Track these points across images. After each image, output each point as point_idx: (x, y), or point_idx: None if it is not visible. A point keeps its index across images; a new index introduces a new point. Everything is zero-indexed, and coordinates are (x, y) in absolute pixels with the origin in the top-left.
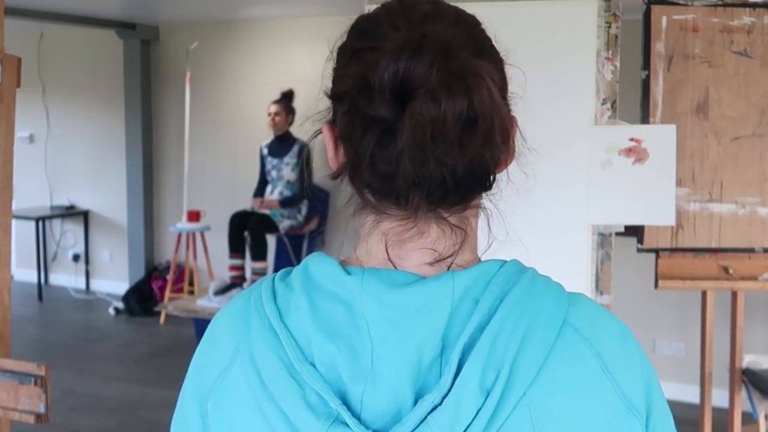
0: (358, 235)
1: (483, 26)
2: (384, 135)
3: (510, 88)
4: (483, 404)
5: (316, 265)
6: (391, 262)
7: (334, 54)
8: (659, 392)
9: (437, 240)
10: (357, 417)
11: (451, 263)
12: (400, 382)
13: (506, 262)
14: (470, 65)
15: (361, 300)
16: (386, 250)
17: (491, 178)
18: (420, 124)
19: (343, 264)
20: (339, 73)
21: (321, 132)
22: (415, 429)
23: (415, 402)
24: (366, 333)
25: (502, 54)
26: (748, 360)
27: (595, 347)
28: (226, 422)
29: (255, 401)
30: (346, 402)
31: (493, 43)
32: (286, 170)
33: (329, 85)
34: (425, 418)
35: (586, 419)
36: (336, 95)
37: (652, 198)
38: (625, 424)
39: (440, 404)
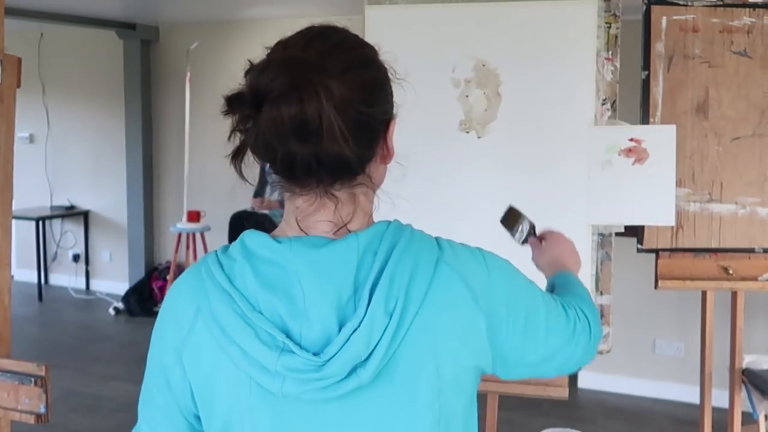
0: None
1: (369, 50)
2: (250, 127)
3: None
4: (388, 323)
5: (252, 239)
6: (302, 231)
7: None
8: (508, 292)
9: (333, 212)
10: (298, 345)
11: (347, 229)
12: (328, 317)
13: (391, 222)
14: (306, 79)
15: (292, 260)
16: (297, 222)
17: (354, 168)
18: (267, 120)
19: (273, 236)
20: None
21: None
22: (342, 347)
23: (340, 329)
24: (298, 284)
25: (394, 74)
26: (748, 360)
27: (460, 273)
28: (200, 365)
29: (219, 346)
30: (289, 336)
31: (373, 62)
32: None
33: None
34: (348, 338)
35: (458, 324)
36: (224, 97)
37: (652, 198)
38: (477, 320)
39: (358, 327)
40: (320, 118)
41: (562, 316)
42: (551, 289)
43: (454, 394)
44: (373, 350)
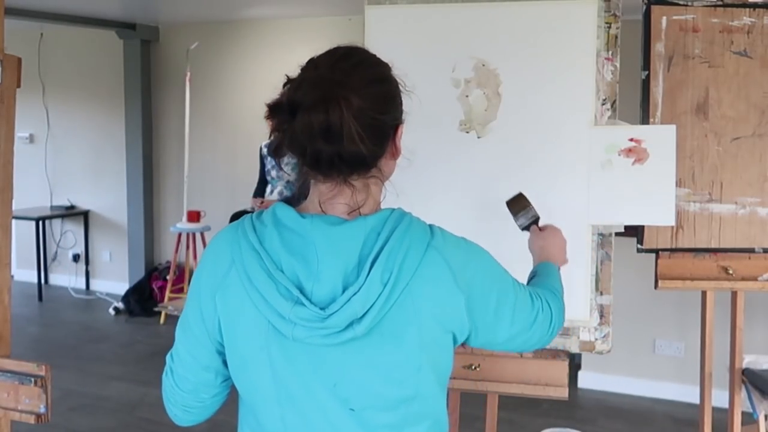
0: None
1: (384, 68)
2: (286, 130)
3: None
4: (382, 290)
5: (282, 211)
6: (323, 211)
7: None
8: (483, 278)
9: (350, 197)
10: (309, 300)
11: (359, 212)
12: (335, 280)
13: (394, 209)
14: (332, 94)
15: (312, 233)
16: (319, 204)
17: (369, 163)
18: (300, 125)
19: (298, 211)
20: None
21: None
22: (343, 305)
23: (343, 291)
24: (314, 252)
25: (404, 86)
26: (748, 360)
27: (444, 257)
28: (229, 305)
29: (246, 293)
30: (302, 292)
31: (386, 78)
32: (286, 170)
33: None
34: (349, 299)
35: (439, 297)
36: (268, 104)
37: (652, 198)
38: (456, 296)
39: (358, 291)
40: (341, 124)
41: (528, 305)
42: (533, 275)
43: (431, 351)
44: (367, 310)
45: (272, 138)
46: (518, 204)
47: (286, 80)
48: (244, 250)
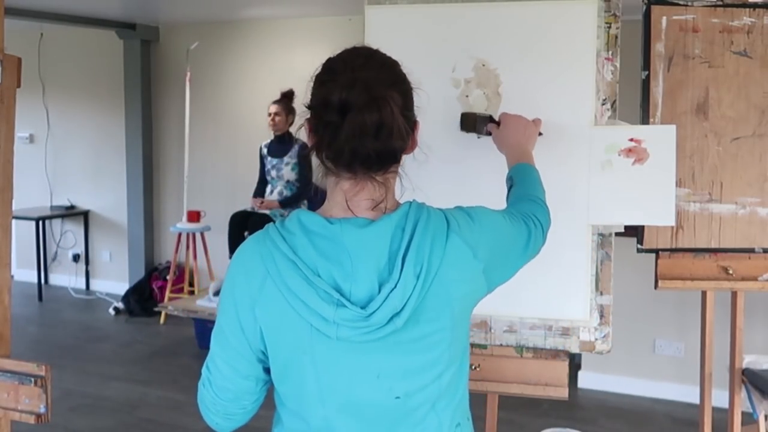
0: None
1: (399, 66)
2: (334, 130)
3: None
4: (416, 283)
5: (308, 218)
6: (350, 210)
7: (313, 79)
8: (490, 238)
9: (373, 192)
10: (349, 300)
11: (384, 207)
12: (370, 279)
13: (412, 202)
14: (381, 94)
15: (342, 236)
16: (346, 201)
17: (399, 157)
18: (352, 125)
19: (322, 215)
20: (313, 93)
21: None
22: (383, 303)
23: (379, 289)
24: (347, 255)
25: (412, 83)
26: (748, 360)
27: (463, 237)
28: (270, 315)
29: (286, 301)
30: (342, 294)
31: (405, 77)
32: (285, 170)
33: (308, 98)
34: (387, 296)
35: (464, 277)
36: (311, 106)
37: (652, 198)
38: (476, 268)
39: (395, 288)
40: (392, 121)
41: (523, 234)
42: (511, 183)
43: (461, 326)
44: (405, 304)
45: (309, 137)
46: (468, 121)
47: (316, 82)
48: (278, 260)
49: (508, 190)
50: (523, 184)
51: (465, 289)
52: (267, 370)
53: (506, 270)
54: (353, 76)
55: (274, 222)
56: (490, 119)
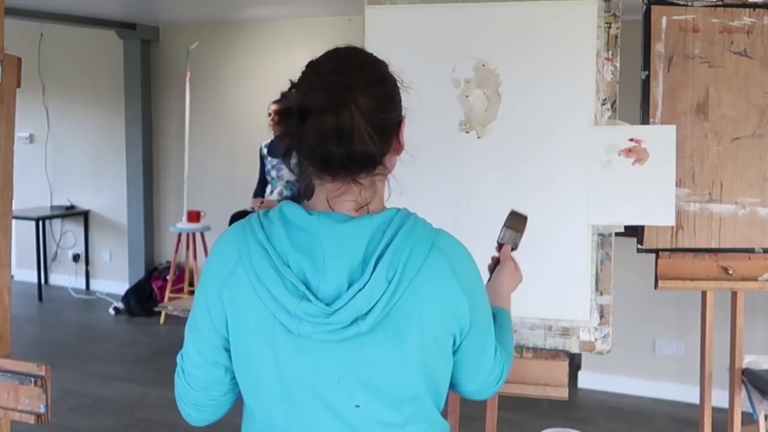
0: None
1: (383, 66)
2: (299, 135)
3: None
4: (387, 287)
5: (289, 209)
6: (331, 208)
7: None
8: (476, 283)
9: (358, 194)
10: (315, 296)
11: (368, 209)
12: (341, 276)
13: (399, 209)
14: (340, 97)
15: (318, 230)
16: (327, 201)
17: (377, 160)
18: (312, 130)
19: (305, 208)
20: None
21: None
22: (348, 301)
23: (348, 288)
24: (320, 248)
25: (403, 83)
26: (748, 360)
27: (448, 258)
28: (236, 301)
29: (253, 288)
30: (308, 288)
31: (386, 77)
32: (285, 170)
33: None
34: (354, 295)
35: (442, 297)
36: (278, 110)
37: (652, 198)
38: (459, 298)
39: (363, 288)
40: (352, 125)
41: (491, 347)
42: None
43: (435, 350)
44: (372, 307)
45: (280, 142)
46: (518, 223)
47: (290, 85)
48: (251, 246)
49: None
50: (501, 328)
51: (442, 310)
52: None
53: (483, 344)
54: (316, 80)
55: None
56: (516, 246)
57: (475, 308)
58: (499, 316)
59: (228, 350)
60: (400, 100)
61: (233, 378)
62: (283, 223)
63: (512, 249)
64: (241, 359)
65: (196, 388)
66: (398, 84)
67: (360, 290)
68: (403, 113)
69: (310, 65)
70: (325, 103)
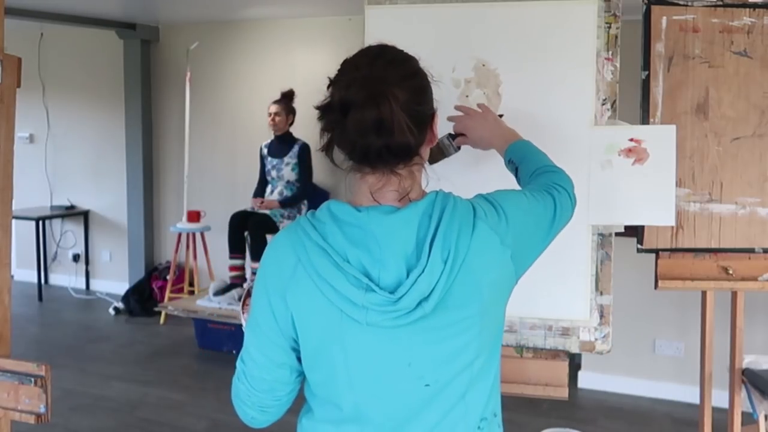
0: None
1: (413, 62)
2: (339, 128)
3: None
4: (444, 268)
5: (337, 207)
6: (375, 201)
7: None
8: (519, 225)
9: (398, 185)
10: (378, 286)
11: (409, 198)
12: (398, 265)
13: (439, 192)
14: (379, 91)
15: (369, 224)
16: (371, 194)
17: (415, 150)
18: (353, 123)
19: (351, 204)
20: (325, 94)
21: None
22: (411, 287)
23: (407, 274)
24: (375, 241)
25: (433, 76)
26: (748, 360)
27: (490, 225)
28: (301, 301)
29: (316, 287)
30: (370, 279)
31: (417, 71)
32: (286, 170)
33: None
34: (415, 281)
35: (492, 264)
36: (318, 107)
37: (652, 198)
38: (504, 255)
39: (422, 273)
40: (392, 117)
41: (549, 207)
42: (515, 168)
43: (491, 313)
44: (433, 289)
45: (320, 137)
46: (435, 153)
47: (328, 83)
48: (308, 247)
49: (516, 174)
50: (526, 160)
51: (493, 276)
52: (300, 359)
53: (534, 250)
54: (354, 76)
55: (275, 222)
56: (450, 136)
57: (520, 242)
58: (522, 150)
59: (294, 350)
60: (431, 93)
61: (297, 377)
62: (335, 222)
63: (454, 136)
64: (310, 357)
65: (260, 390)
66: (429, 79)
67: (420, 275)
68: (435, 106)
69: (346, 62)
70: (365, 96)
